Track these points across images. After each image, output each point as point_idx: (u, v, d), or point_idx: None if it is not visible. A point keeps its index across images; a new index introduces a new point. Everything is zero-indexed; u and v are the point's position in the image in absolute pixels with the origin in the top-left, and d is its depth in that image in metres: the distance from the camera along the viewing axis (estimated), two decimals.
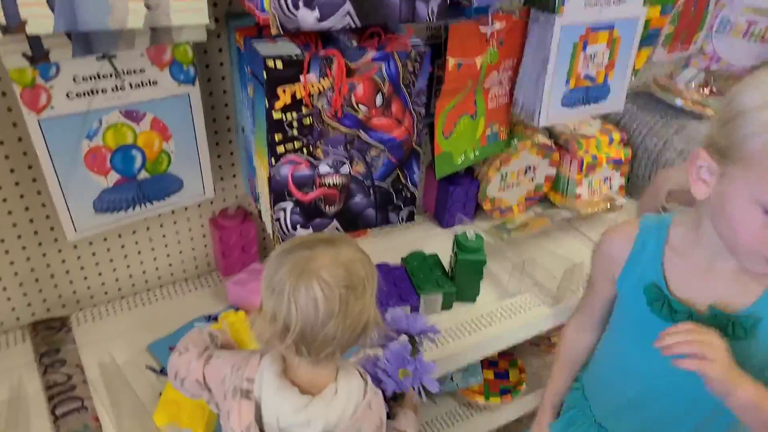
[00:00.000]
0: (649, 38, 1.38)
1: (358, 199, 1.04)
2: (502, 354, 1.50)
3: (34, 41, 0.78)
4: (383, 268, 1.17)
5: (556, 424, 1.04)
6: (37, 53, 0.79)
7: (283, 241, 1.00)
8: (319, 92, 0.91)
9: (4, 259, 1.01)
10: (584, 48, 1.20)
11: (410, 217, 1.11)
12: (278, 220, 0.99)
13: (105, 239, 1.10)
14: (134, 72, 0.89)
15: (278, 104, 0.89)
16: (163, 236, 1.16)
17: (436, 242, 1.34)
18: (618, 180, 1.54)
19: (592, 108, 1.33)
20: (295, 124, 0.92)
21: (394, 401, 0.87)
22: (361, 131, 0.98)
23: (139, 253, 1.15)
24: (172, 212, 1.15)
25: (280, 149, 0.93)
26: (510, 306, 1.19)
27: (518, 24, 1.16)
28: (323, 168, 0.98)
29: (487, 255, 1.14)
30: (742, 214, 0.68)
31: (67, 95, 0.85)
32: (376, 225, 1.09)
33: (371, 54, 0.92)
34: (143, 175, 0.98)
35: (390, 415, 0.84)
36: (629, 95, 1.39)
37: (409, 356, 0.85)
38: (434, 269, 1.18)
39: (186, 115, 0.98)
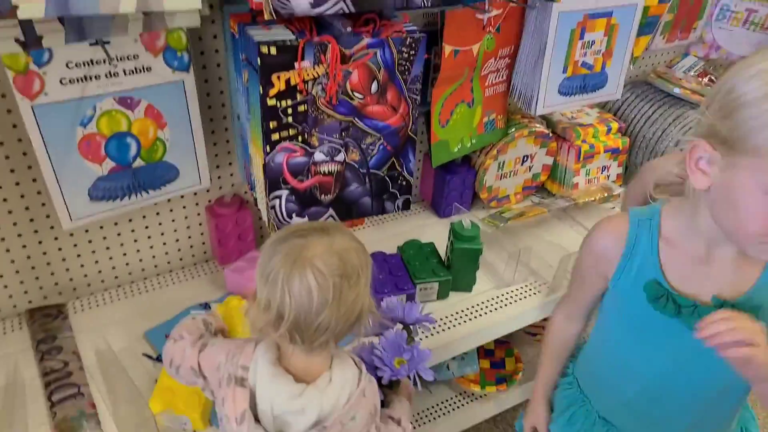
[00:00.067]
0: (647, 26, 1.37)
1: (354, 187, 1.04)
2: (498, 343, 1.52)
3: (27, 26, 0.77)
4: (379, 257, 1.17)
5: (556, 424, 1.02)
6: (30, 39, 0.78)
7: (278, 229, 1.00)
8: (314, 79, 0.90)
9: (0, 246, 1.02)
10: (582, 35, 1.19)
11: (406, 206, 1.11)
12: (273, 207, 0.99)
13: (101, 227, 1.10)
14: (128, 58, 0.88)
15: (273, 91, 0.88)
16: (160, 224, 1.16)
17: (432, 231, 1.34)
18: (615, 169, 1.54)
19: (590, 96, 1.33)
20: (289, 111, 0.91)
21: (389, 388, 0.87)
22: (356, 118, 0.97)
23: (136, 241, 1.15)
24: (168, 200, 1.15)
25: (275, 137, 0.93)
26: (506, 295, 1.20)
27: (515, 10, 1.15)
28: (318, 156, 0.98)
29: (484, 244, 1.14)
30: (752, 203, 0.67)
31: (61, 81, 0.85)
32: (372, 213, 1.09)
33: (366, 40, 0.91)
34: (138, 163, 0.97)
35: (384, 403, 0.84)
36: (627, 84, 1.39)
37: (405, 344, 0.85)
38: (430, 258, 1.18)
39: (181, 102, 0.97)
